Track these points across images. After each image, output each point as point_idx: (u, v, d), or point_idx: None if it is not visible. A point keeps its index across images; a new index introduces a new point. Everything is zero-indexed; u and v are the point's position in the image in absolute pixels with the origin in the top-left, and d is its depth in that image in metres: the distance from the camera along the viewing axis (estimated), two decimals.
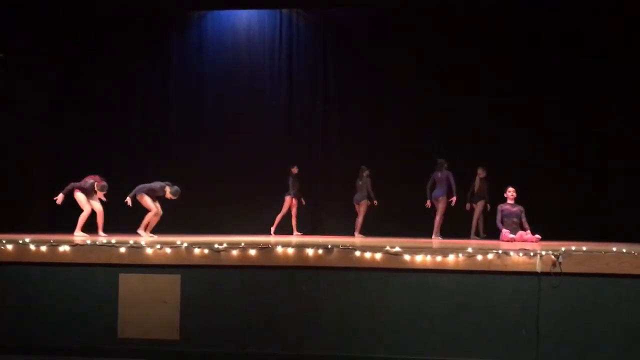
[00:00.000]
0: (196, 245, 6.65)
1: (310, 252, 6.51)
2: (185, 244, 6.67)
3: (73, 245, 6.80)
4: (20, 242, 6.82)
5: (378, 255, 6.43)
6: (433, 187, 10.72)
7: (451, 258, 6.34)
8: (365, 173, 11.25)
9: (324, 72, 12.69)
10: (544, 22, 11.65)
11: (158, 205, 9.40)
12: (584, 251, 6.38)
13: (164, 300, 6.59)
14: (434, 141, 11.93)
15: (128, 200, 9.11)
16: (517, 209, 9.63)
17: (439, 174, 10.65)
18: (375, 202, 11.16)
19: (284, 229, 11.57)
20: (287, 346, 6.48)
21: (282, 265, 6.55)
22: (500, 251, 6.33)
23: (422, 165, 11.27)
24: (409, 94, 12.14)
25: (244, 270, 6.60)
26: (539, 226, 9.48)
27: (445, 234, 10.68)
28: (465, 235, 10.65)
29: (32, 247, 6.75)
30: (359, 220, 11.23)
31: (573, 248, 6.58)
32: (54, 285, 6.74)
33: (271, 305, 6.54)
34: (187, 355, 6.54)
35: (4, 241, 6.81)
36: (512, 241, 9.09)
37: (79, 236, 8.91)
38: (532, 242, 8.97)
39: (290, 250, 6.55)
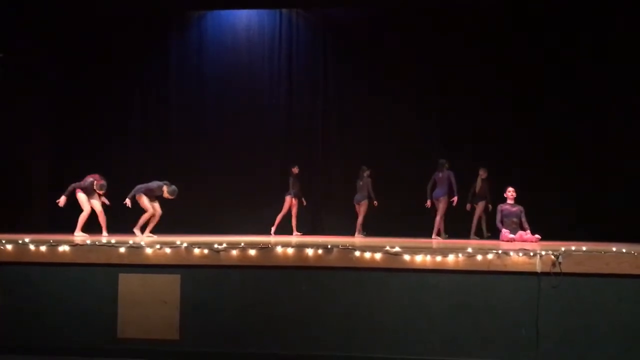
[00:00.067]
0: (196, 245, 6.65)
1: (310, 252, 6.51)
2: (185, 244, 6.67)
3: (73, 245, 6.80)
4: (20, 242, 6.82)
5: (378, 255, 6.43)
6: (434, 187, 10.73)
7: (451, 258, 6.34)
8: (366, 173, 11.25)
9: (324, 72, 12.69)
10: (544, 22, 11.64)
11: (157, 205, 9.40)
12: (584, 251, 6.38)
13: (163, 300, 6.59)
14: (434, 141, 11.94)
15: (127, 201, 9.11)
16: (516, 209, 9.63)
17: (440, 174, 10.65)
18: (375, 202, 11.16)
19: (284, 229, 11.57)
20: (287, 346, 6.47)
21: (282, 265, 6.55)
22: (500, 251, 6.33)
23: (422, 165, 11.30)
24: (409, 94, 12.14)
25: (244, 270, 6.60)
26: (539, 226, 9.49)
27: (446, 233, 10.70)
28: (465, 235, 10.65)
29: (32, 247, 6.75)
30: (359, 220, 11.23)
31: (573, 248, 6.58)
32: (54, 285, 6.73)
33: (271, 305, 6.54)
34: (186, 355, 6.54)
35: (3, 241, 6.81)
36: (511, 241, 9.09)
37: (79, 236, 8.91)
38: (532, 242, 8.97)
39: (290, 250, 6.55)
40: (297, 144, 12.61)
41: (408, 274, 6.41)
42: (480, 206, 10.82)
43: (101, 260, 6.71)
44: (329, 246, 6.53)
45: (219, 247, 6.61)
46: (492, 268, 6.30)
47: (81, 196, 9.27)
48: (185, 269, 6.64)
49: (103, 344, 6.61)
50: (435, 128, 12.12)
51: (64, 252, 6.73)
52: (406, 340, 6.36)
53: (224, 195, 12.19)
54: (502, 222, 9.64)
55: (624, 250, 6.32)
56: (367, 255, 6.45)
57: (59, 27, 12.50)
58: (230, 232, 10.51)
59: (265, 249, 6.58)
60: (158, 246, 6.69)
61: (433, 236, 10.48)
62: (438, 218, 10.58)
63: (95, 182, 9.26)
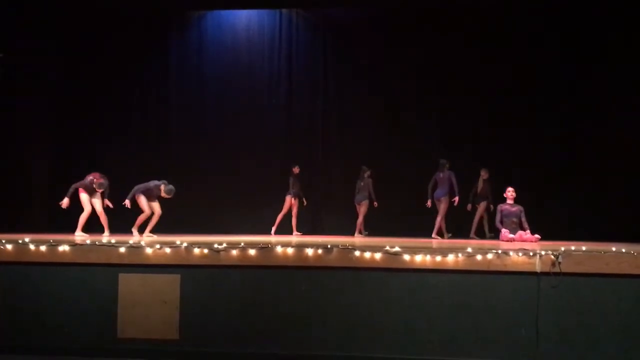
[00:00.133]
0: (196, 245, 6.66)
1: (310, 252, 6.51)
2: (184, 244, 6.67)
3: (73, 245, 6.80)
4: (20, 242, 6.82)
5: (378, 255, 6.44)
6: (435, 188, 10.74)
7: (451, 258, 6.35)
8: (367, 174, 11.25)
9: (324, 72, 12.69)
10: (544, 22, 11.65)
11: (157, 205, 9.40)
12: (584, 251, 6.39)
13: (163, 300, 6.59)
14: (434, 141, 11.94)
15: (127, 202, 9.12)
16: (516, 208, 9.63)
17: (441, 174, 10.67)
18: (375, 203, 11.16)
19: (284, 229, 11.57)
20: (287, 346, 6.48)
21: (281, 265, 6.55)
22: (499, 251, 6.34)
23: (422, 165, 11.31)
24: (409, 94, 12.14)
25: (244, 270, 6.60)
26: (539, 226, 9.49)
27: (448, 233, 10.70)
28: (466, 235, 10.65)
29: (32, 247, 6.75)
30: (359, 220, 11.24)
31: (572, 248, 6.58)
32: (54, 285, 6.74)
33: (271, 305, 6.55)
34: (186, 355, 6.54)
35: (3, 241, 6.81)
36: (511, 241, 9.09)
37: (79, 236, 8.92)
38: (532, 242, 8.97)
39: (290, 250, 6.55)
40: (297, 144, 12.60)
41: (408, 273, 6.41)
42: (481, 206, 10.83)
43: (101, 260, 6.71)
44: (329, 246, 6.53)
45: (219, 247, 6.61)
46: (492, 268, 6.30)
47: (83, 196, 9.29)
48: (185, 269, 6.64)
49: (103, 344, 6.61)
50: (435, 128, 12.12)
51: (64, 252, 6.74)
52: (406, 340, 6.36)
53: (224, 195, 12.19)
54: (501, 222, 9.64)
55: (623, 250, 6.32)
56: (367, 255, 6.45)
57: (59, 27, 12.50)
58: (230, 232, 10.51)
59: (265, 249, 6.58)
60: (158, 246, 6.69)
61: (433, 235, 10.49)
62: (439, 218, 10.59)
63: (95, 180, 9.27)
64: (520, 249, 6.45)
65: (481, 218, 10.88)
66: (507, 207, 9.69)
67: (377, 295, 6.45)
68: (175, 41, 12.98)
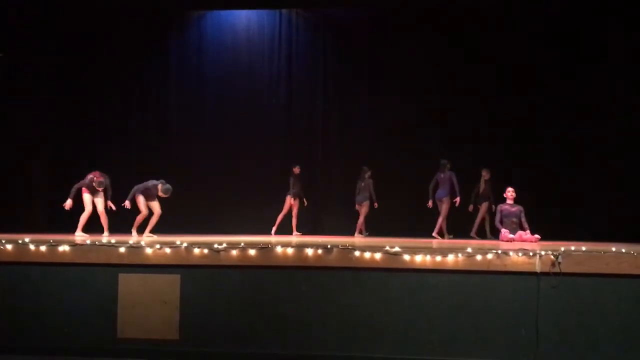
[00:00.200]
0: (196, 245, 6.66)
1: (310, 252, 6.51)
2: (184, 244, 6.68)
3: (73, 245, 6.81)
4: (20, 242, 6.82)
5: (378, 255, 6.44)
6: (436, 188, 10.75)
7: (451, 258, 6.35)
8: (367, 174, 11.25)
9: (324, 72, 12.68)
10: (544, 22, 11.64)
11: (157, 205, 9.40)
12: (583, 251, 6.39)
13: (163, 300, 6.59)
14: (434, 141, 11.92)
15: (127, 203, 9.12)
16: (516, 209, 9.63)
17: (442, 175, 10.68)
18: (375, 204, 11.17)
19: (284, 229, 11.57)
20: (287, 346, 6.48)
21: (281, 265, 6.56)
22: (499, 251, 6.34)
23: (422, 165, 11.31)
24: (409, 94, 12.12)
25: (244, 270, 6.61)
26: (539, 226, 9.49)
27: (450, 234, 10.70)
28: (466, 235, 10.64)
29: (32, 247, 6.76)
30: (360, 220, 11.24)
31: (572, 248, 6.58)
32: (54, 285, 6.74)
33: (271, 305, 6.55)
34: (186, 355, 6.54)
35: (3, 241, 6.81)
36: (511, 241, 9.10)
37: (79, 236, 8.92)
38: (532, 242, 8.97)
39: (290, 250, 6.55)
40: (297, 144, 12.60)
41: (408, 274, 6.41)
42: (483, 207, 10.83)
43: (101, 260, 6.71)
44: (329, 246, 6.53)
45: (219, 247, 6.61)
46: (492, 268, 6.30)
47: (86, 196, 9.31)
48: (185, 269, 6.64)
49: (103, 344, 6.61)
50: (435, 128, 12.11)
51: (64, 252, 6.74)
52: (406, 340, 6.36)
53: (224, 195, 12.18)
54: (501, 222, 9.64)
55: (623, 250, 6.32)
56: (367, 255, 6.45)
57: (59, 27, 12.50)
58: (230, 232, 10.51)
59: (265, 249, 6.58)
60: (158, 246, 6.69)
61: (433, 234, 10.50)
62: (441, 219, 10.60)
63: (94, 179, 9.27)
64: (520, 249, 6.45)
65: (483, 219, 10.88)
66: (506, 207, 9.69)
67: (377, 295, 6.45)
68: (175, 41, 12.97)
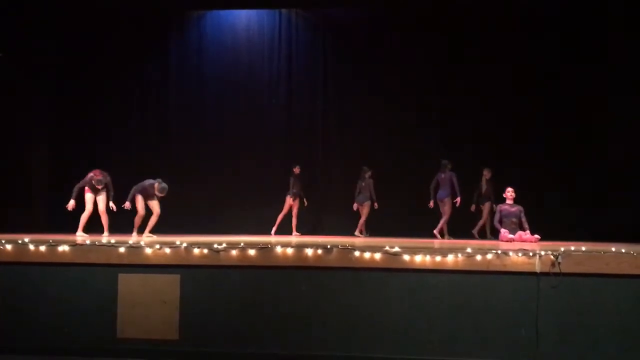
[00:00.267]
0: (195, 245, 6.65)
1: (309, 252, 6.51)
2: (184, 244, 6.67)
3: (72, 245, 6.80)
4: (20, 242, 6.82)
5: (377, 255, 6.43)
6: (437, 188, 10.76)
7: (450, 258, 6.35)
8: (368, 174, 11.26)
9: (324, 72, 12.68)
10: (544, 21, 11.64)
11: (156, 204, 9.39)
12: (583, 251, 6.38)
13: (163, 300, 6.59)
14: (434, 141, 11.93)
15: (127, 204, 9.13)
16: (515, 209, 9.62)
17: (443, 175, 10.68)
18: (375, 205, 11.17)
19: (284, 229, 11.57)
20: (287, 346, 6.48)
21: (281, 265, 6.55)
22: (499, 251, 6.33)
23: (422, 165, 11.31)
24: (409, 94, 12.13)
25: (244, 270, 6.60)
26: (539, 226, 9.49)
27: (450, 235, 10.70)
28: (467, 235, 10.64)
29: (32, 247, 6.75)
30: (361, 221, 11.24)
31: (572, 248, 6.58)
32: (54, 285, 6.73)
33: (271, 305, 6.54)
34: (186, 355, 6.54)
35: (3, 241, 6.81)
36: (511, 241, 9.09)
37: (80, 236, 8.91)
38: (531, 242, 8.97)
39: (290, 251, 6.55)
40: (297, 144, 12.60)
41: (408, 274, 6.41)
42: (486, 207, 10.82)
43: (101, 260, 6.71)
44: (329, 246, 6.53)
45: (219, 247, 6.61)
46: (492, 268, 6.30)
47: (87, 195, 9.31)
48: (185, 269, 6.64)
49: (103, 344, 6.60)
50: (435, 128, 12.11)
51: (64, 252, 6.73)
52: (406, 340, 6.36)
53: (224, 195, 12.19)
54: (500, 222, 9.64)
55: (623, 251, 6.32)
56: (367, 255, 6.45)
57: (59, 27, 12.51)
58: (230, 232, 10.51)
59: (265, 249, 6.58)
60: (158, 246, 6.69)
61: (435, 232, 10.51)
62: (444, 220, 10.60)
63: (94, 177, 9.27)
64: (520, 249, 6.45)
65: (487, 218, 10.87)
66: (506, 207, 9.69)
67: (377, 296, 6.44)
68: (175, 41, 12.98)
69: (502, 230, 9.47)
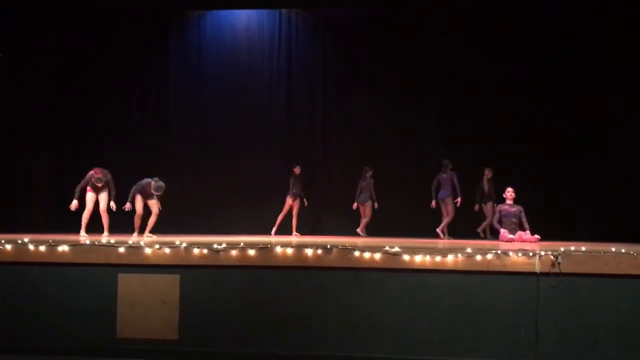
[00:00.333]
0: (195, 245, 6.66)
1: (309, 252, 6.51)
2: (184, 244, 6.67)
3: (72, 245, 6.80)
4: (19, 242, 6.82)
5: (377, 256, 6.44)
6: (438, 188, 10.76)
7: (450, 258, 6.35)
8: (369, 174, 11.27)
9: (324, 72, 12.68)
10: (544, 22, 11.64)
11: (155, 204, 9.38)
12: (583, 251, 6.38)
13: (163, 300, 6.59)
14: (434, 141, 11.94)
15: (128, 205, 9.13)
16: (515, 209, 9.62)
17: (444, 175, 10.68)
18: (375, 204, 11.17)
19: (284, 229, 11.56)
20: (287, 346, 6.48)
21: (281, 265, 6.55)
22: (499, 251, 6.34)
23: (422, 165, 11.31)
24: (409, 94, 12.13)
25: (244, 270, 6.60)
26: (539, 226, 9.49)
27: (450, 236, 10.70)
28: (467, 235, 10.63)
29: (31, 247, 6.75)
30: (365, 221, 11.24)
31: (572, 248, 6.58)
32: (54, 285, 6.73)
33: (271, 305, 6.55)
34: (186, 355, 6.54)
35: (3, 241, 6.81)
36: (511, 241, 9.09)
37: (83, 237, 8.90)
38: (531, 242, 8.97)
39: (290, 251, 6.55)
40: (297, 144, 12.60)
41: (407, 274, 6.41)
42: (489, 206, 10.83)
43: (100, 260, 6.71)
44: (329, 246, 6.53)
45: (219, 247, 6.61)
46: (492, 268, 6.30)
47: (88, 194, 9.31)
48: (184, 269, 6.64)
49: (103, 344, 6.61)
50: (435, 128, 12.12)
51: (63, 252, 6.74)
52: (406, 340, 6.36)
53: (224, 195, 12.17)
54: (500, 222, 9.63)
55: (623, 251, 6.32)
56: (367, 255, 6.45)
57: (59, 27, 12.50)
58: (230, 232, 10.51)
59: (265, 249, 6.58)
60: (157, 246, 6.69)
61: (438, 229, 10.53)
62: (447, 220, 10.60)
63: (94, 174, 9.27)
64: (520, 250, 6.45)
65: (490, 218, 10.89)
66: (506, 207, 9.69)
67: (377, 296, 6.45)
68: (175, 41, 12.97)
69: (502, 231, 9.47)
